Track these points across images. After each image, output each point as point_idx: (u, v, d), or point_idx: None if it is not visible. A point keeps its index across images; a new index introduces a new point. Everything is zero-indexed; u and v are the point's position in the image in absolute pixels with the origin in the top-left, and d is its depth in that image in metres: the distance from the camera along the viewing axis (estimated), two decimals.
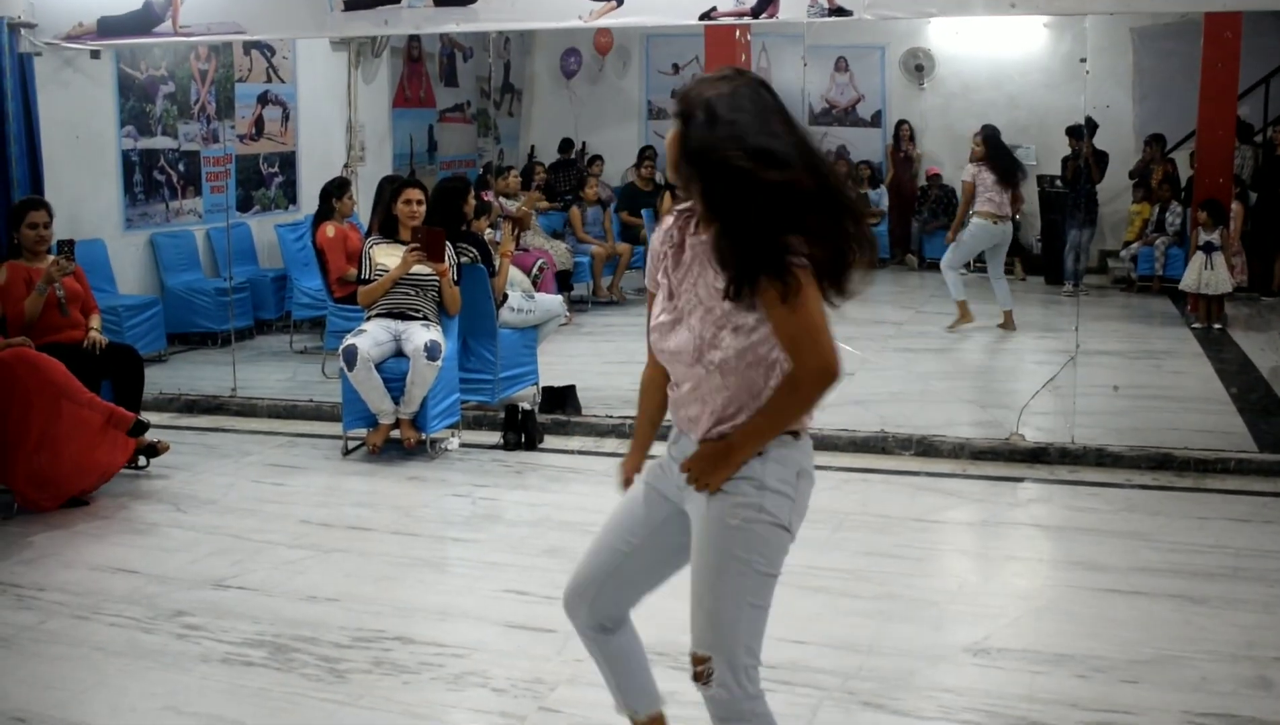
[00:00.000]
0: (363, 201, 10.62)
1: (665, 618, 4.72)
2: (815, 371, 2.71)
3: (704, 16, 7.21)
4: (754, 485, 2.82)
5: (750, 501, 2.82)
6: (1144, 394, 8.41)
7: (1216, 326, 10.86)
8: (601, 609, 3.14)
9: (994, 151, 10.68)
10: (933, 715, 3.94)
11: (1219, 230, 11.02)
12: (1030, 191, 14.47)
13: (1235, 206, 11.62)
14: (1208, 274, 10.93)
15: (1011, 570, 5.33)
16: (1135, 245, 13.25)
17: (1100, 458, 6.83)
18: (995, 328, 10.73)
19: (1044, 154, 14.72)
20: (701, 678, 2.89)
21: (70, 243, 6.96)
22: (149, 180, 10.23)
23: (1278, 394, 8.29)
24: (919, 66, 15.68)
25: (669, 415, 3.04)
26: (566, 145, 15.28)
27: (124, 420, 6.37)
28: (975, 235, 10.71)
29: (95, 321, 7.04)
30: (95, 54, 9.30)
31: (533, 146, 16.37)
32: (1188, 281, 11.14)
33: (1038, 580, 5.24)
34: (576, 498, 6.34)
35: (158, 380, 8.41)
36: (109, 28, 8.31)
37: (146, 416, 6.74)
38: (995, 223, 10.60)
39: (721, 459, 2.82)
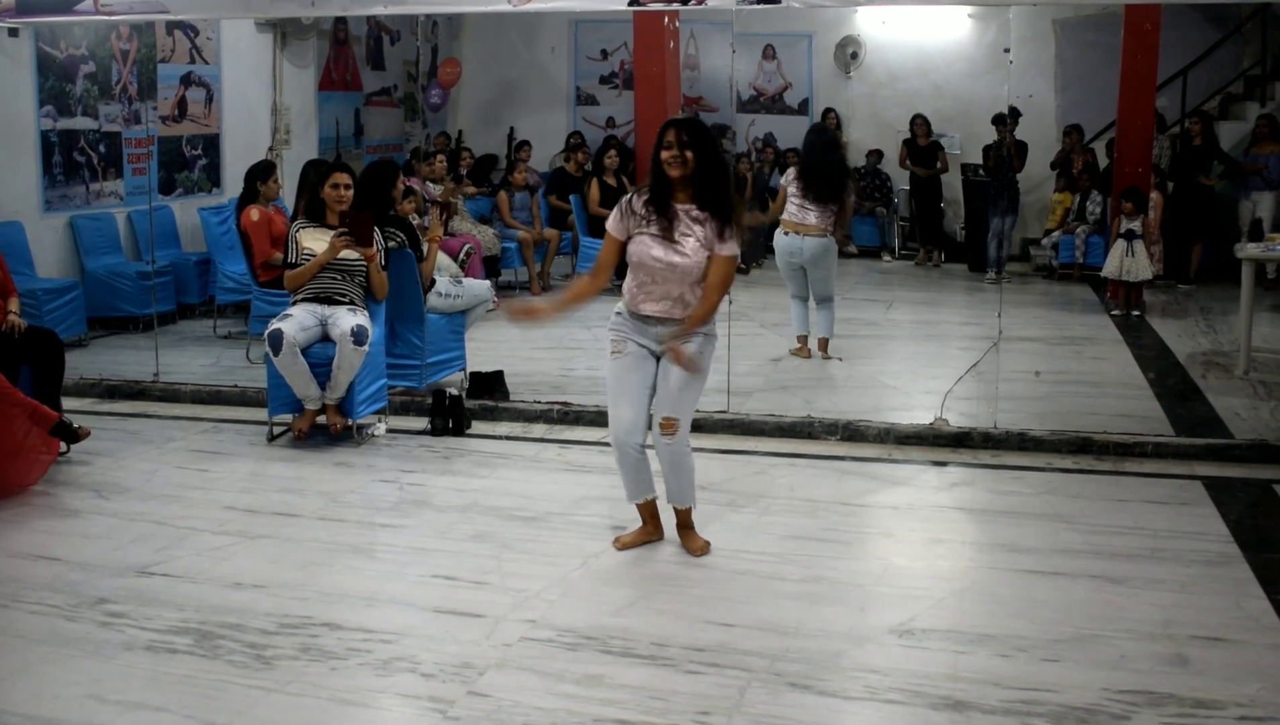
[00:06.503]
0: (288, 185, 10.51)
1: (596, 604, 4.76)
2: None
3: (633, 3, 7.21)
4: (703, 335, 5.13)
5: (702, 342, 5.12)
6: (1065, 379, 8.55)
7: (1135, 313, 11.05)
8: (643, 431, 5.12)
9: (805, 156, 9.37)
10: (859, 695, 3.99)
11: (1140, 218, 11.21)
12: (954, 180, 14.68)
13: (1155, 196, 11.82)
14: (1129, 261, 11.12)
15: (936, 553, 5.40)
16: (1056, 233, 13.44)
17: (1022, 442, 6.94)
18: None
19: (968, 143, 14.92)
20: (669, 430, 5.05)
21: None
22: (69, 161, 10.05)
23: (1194, 379, 8.46)
24: (854, 54, 15.74)
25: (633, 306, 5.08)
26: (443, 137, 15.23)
27: (46, 419, 6.25)
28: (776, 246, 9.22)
29: (14, 305, 6.90)
30: (13, 32, 9.13)
31: (460, 131, 16.28)
32: (1109, 268, 11.32)
33: (961, 562, 5.31)
34: (504, 483, 6.33)
35: (78, 365, 8.27)
36: (28, 5, 8.13)
37: (67, 401, 6.61)
38: (787, 234, 8.98)
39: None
